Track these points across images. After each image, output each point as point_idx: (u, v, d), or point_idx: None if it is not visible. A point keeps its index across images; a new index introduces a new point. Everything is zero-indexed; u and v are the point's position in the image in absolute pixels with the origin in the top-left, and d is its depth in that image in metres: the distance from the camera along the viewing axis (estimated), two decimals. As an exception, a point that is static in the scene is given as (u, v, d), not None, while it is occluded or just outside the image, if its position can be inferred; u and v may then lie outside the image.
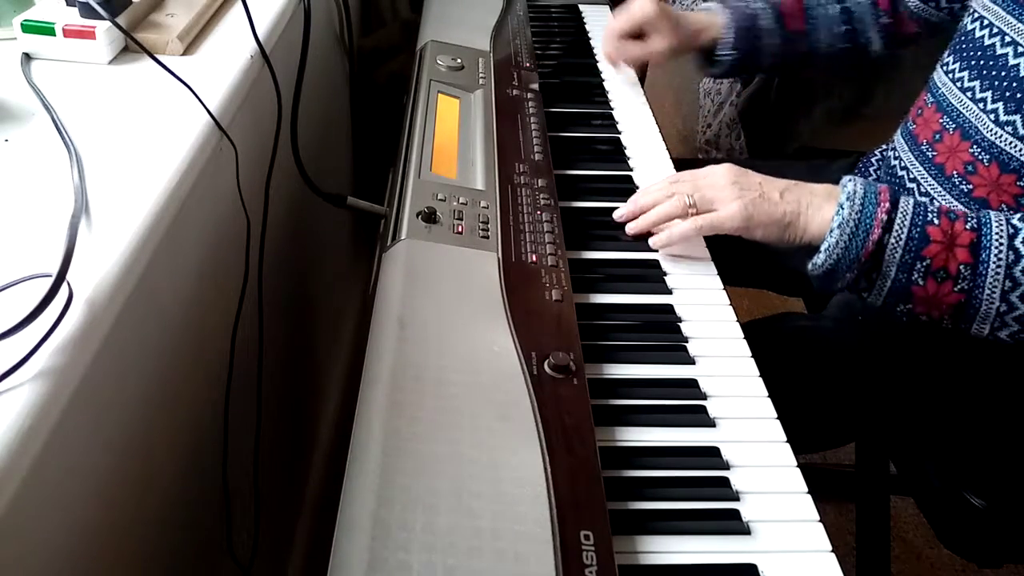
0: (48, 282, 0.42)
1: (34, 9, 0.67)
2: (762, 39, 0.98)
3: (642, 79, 1.08)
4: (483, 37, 1.02)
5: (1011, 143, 0.71)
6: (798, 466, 0.55)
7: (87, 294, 0.44)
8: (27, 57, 0.66)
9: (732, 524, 0.51)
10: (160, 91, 0.63)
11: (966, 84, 0.77)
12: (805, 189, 0.70)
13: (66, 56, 0.66)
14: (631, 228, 0.74)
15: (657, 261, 0.74)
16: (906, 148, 0.85)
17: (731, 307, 0.69)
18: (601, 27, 1.21)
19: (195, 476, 0.65)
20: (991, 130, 0.73)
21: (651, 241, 0.73)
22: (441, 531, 0.42)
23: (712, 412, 0.59)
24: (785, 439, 0.57)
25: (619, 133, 0.95)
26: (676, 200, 0.72)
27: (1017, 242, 0.63)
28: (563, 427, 0.50)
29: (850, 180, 0.68)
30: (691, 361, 0.63)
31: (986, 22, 0.77)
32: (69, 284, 0.43)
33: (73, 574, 0.46)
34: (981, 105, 0.75)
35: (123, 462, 0.51)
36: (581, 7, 1.28)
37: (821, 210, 0.68)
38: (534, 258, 0.65)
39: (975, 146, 0.75)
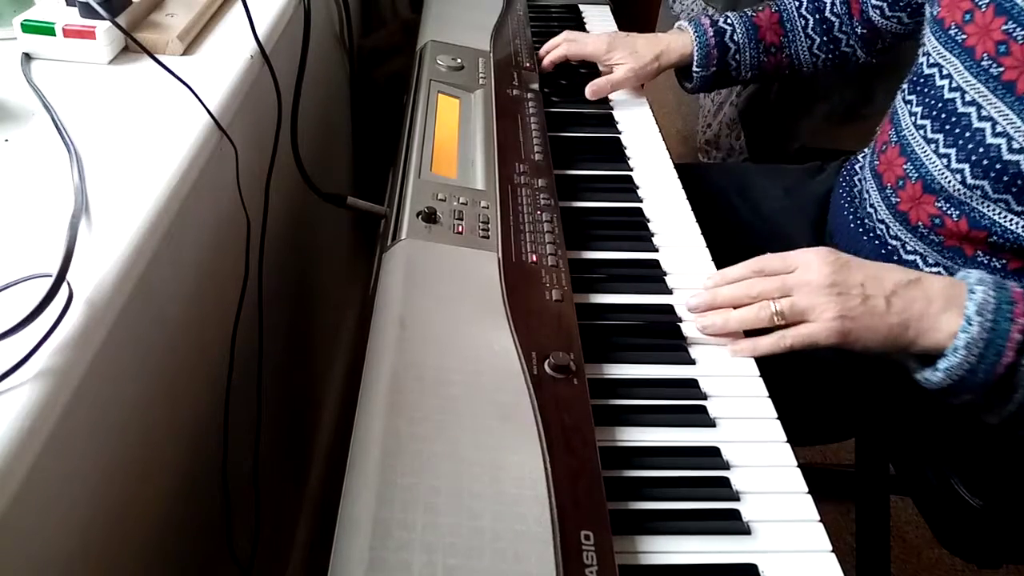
0: (48, 282, 0.42)
1: (34, 9, 0.67)
2: (736, 54, 0.98)
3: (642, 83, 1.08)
4: (483, 37, 1.02)
5: (982, 203, 0.68)
6: (798, 466, 0.55)
7: (87, 294, 0.44)
8: (27, 57, 0.66)
9: (732, 524, 0.51)
10: (160, 91, 0.63)
11: (929, 135, 0.73)
12: (919, 292, 0.58)
13: (66, 56, 0.66)
14: (705, 326, 0.63)
15: (657, 261, 0.74)
16: (873, 187, 0.82)
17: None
18: (602, 27, 1.21)
19: (195, 476, 0.65)
20: (958, 189, 0.70)
21: (731, 349, 0.62)
22: (441, 531, 0.42)
23: (712, 412, 0.59)
24: (785, 439, 0.57)
25: (619, 133, 0.95)
26: (761, 310, 0.61)
27: None
28: (563, 427, 0.50)
29: (979, 284, 0.58)
30: (691, 361, 0.63)
31: (944, 72, 0.73)
32: (69, 284, 0.43)
33: (73, 574, 0.45)
34: (945, 161, 0.71)
35: (123, 462, 0.51)
36: (581, 7, 1.27)
37: (938, 321, 0.57)
38: (534, 258, 0.65)
39: (942, 200, 0.72)
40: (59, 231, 0.47)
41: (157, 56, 0.64)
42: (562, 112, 0.98)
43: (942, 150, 0.71)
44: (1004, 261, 0.71)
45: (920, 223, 0.74)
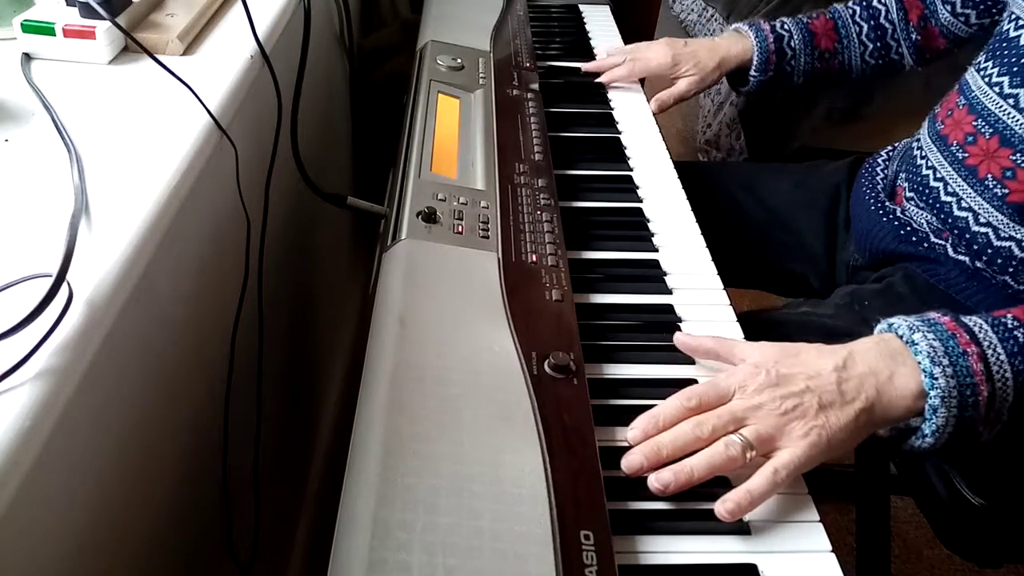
0: (48, 282, 0.42)
1: (34, 9, 0.67)
2: (792, 59, 0.99)
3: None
4: (483, 37, 1.02)
5: None
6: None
7: (87, 294, 0.44)
8: (27, 57, 0.66)
9: (732, 524, 0.51)
10: (160, 91, 0.63)
11: (1006, 90, 0.73)
12: (861, 368, 0.55)
13: (66, 56, 0.66)
14: (667, 486, 0.51)
15: (657, 261, 0.74)
16: (934, 148, 0.82)
17: (731, 307, 0.69)
18: (601, 27, 1.21)
19: (195, 476, 0.65)
20: None
21: (723, 511, 0.50)
22: (441, 531, 0.42)
23: (712, 412, 0.59)
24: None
25: (619, 133, 0.95)
26: (729, 447, 0.52)
27: None
28: (563, 427, 0.50)
29: (913, 332, 0.55)
30: (691, 361, 0.63)
31: None
32: (69, 284, 0.43)
33: (72, 573, 0.45)
34: None
35: (123, 462, 0.51)
36: (581, 7, 1.28)
37: (895, 388, 0.54)
38: (534, 258, 0.65)
39: (1018, 153, 0.72)
40: (59, 231, 0.47)
41: (157, 56, 0.64)
42: (562, 112, 0.98)
43: (1023, 103, 0.71)
44: None
45: (990, 175, 0.74)
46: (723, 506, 0.50)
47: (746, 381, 0.55)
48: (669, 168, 0.88)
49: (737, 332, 0.66)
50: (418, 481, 0.44)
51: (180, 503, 0.62)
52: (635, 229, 0.78)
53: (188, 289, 0.61)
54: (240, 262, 0.68)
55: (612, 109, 1.00)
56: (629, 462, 0.52)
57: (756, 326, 0.66)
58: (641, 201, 0.83)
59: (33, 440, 0.38)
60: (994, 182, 0.75)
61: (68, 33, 0.65)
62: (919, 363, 0.54)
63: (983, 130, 0.75)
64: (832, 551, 0.50)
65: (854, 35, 0.98)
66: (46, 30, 0.65)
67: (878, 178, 0.90)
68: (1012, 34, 0.76)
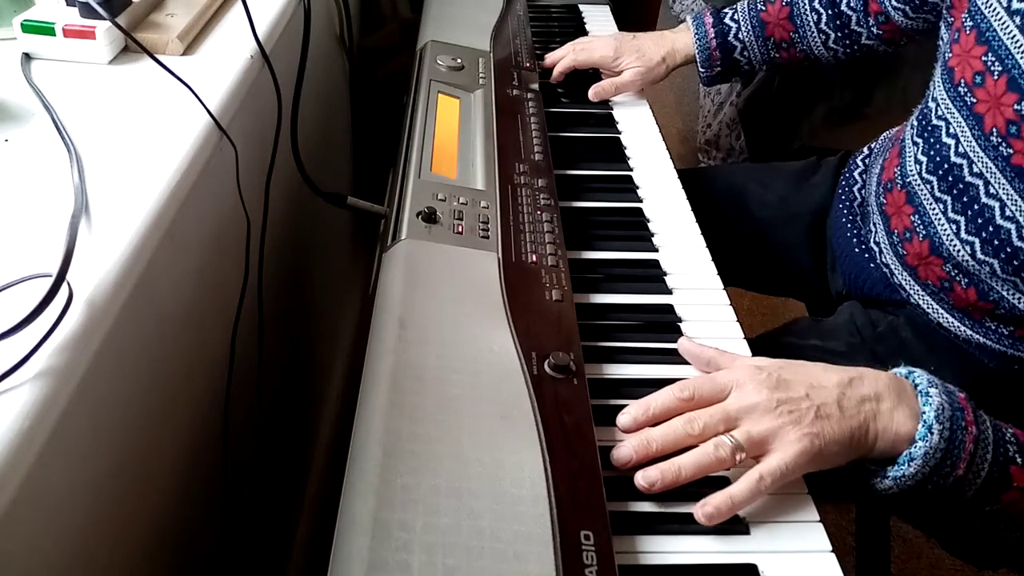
0: (48, 282, 0.42)
1: (34, 9, 0.67)
2: (743, 51, 0.96)
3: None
4: (483, 37, 1.02)
5: (991, 277, 0.65)
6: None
7: (87, 294, 0.44)
8: (27, 57, 0.66)
9: (732, 524, 0.51)
10: (160, 91, 0.63)
11: (936, 193, 0.69)
12: (865, 390, 0.53)
13: (66, 56, 0.66)
14: (653, 484, 0.51)
15: (657, 261, 0.74)
16: (881, 225, 0.78)
17: (731, 307, 0.69)
18: (601, 27, 1.21)
19: (195, 476, 0.65)
20: (966, 260, 0.66)
21: (701, 514, 0.50)
22: (441, 531, 0.42)
23: (712, 412, 0.58)
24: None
25: (619, 133, 0.95)
26: (718, 448, 0.51)
27: None
28: (563, 427, 0.50)
29: (931, 387, 0.54)
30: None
31: (951, 131, 0.67)
32: (69, 284, 0.43)
33: (72, 574, 0.45)
34: (954, 228, 0.66)
35: (123, 462, 0.51)
36: (581, 7, 1.28)
37: (893, 420, 0.52)
38: (534, 258, 0.65)
39: (950, 266, 0.68)
40: (59, 231, 0.47)
41: (157, 56, 0.64)
42: (562, 112, 0.98)
43: (951, 215, 0.67)
44: (1012, 328, 0.69)
45: (929, 282, 0.71)
46: (702, 510, 0.50)
47: (744, 379, 0.54)
48: (669, 168, 0.88)
49: (737, 332, 0.66)
50: (418, 481, 0.44)
51: (180, 502, 0.62)
52: (635, 229, 0.78)
53: (188, 289, 0.61)
54: (240, 262, 0.68)
55: (612, 109, 1.00)
56: (618, 455, 0.53)
57: (764, 353, 0.65)
58: (641, 201, 0.83)
59: (33, 440, 0.38)
60: (935, 289, 0.71)
61: (68, 33, 0.65)
62: (923, 412, 0.52)
63: (919, 230, 0.70)
64: (832, 551, 0.50)
65: (811, 23, 0.92)
66: (46, 30, 0.65)
67: (856, 203, 0.87)
68: (934, 121, 0.71)
